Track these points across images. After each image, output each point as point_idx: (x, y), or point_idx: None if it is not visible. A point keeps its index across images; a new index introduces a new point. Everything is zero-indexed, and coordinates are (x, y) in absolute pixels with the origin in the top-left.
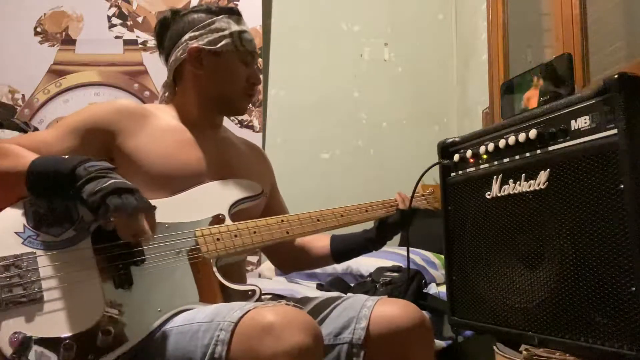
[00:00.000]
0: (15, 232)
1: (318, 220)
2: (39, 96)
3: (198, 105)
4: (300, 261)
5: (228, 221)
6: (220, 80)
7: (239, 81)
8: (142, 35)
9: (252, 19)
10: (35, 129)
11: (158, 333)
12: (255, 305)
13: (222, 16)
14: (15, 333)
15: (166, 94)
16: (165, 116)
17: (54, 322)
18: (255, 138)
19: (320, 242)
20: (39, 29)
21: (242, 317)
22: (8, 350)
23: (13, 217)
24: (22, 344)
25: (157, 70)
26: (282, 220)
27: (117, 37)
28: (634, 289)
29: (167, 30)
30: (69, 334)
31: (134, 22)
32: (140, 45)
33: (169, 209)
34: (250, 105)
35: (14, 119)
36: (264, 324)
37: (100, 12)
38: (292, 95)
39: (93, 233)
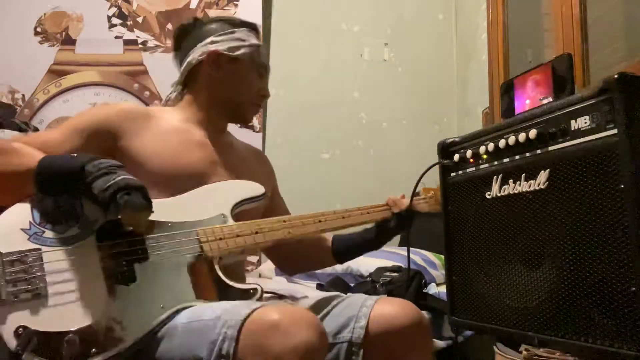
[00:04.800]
0: (22, 229)
1: (320, 221)
2: (39, 96)
3: (207, 107)
4: (303, 262)
5: (230, 221)
6: (234, 85)
7: (250, 90)
8: (142, 35)
9: (252, 19)
10: (36, 129)
11: (162, 329)
12: (263, 304)
13: (243, 29)
14: (19, 327)
15: (174, 93)
16: (169, 118)
17: (58, 316)
18: (255, 138)
19: (322, 242)
20: (39, 29)
21: (249, 314)
22: (12, 343)
23: (19, 214)
24: (26, 338)
25: (157, 70)
26: (284, 221)
27: (117, 37)
28: (634, 289)
29: (187, 35)
30: (73, 329)
31: (134, 22)
32: (140, 45)
33: (173, 209)
34: None
35: (14, 119)
36: (271, 322)
37: (100, 12)
38: (292, 95)
39: (97, 230)
